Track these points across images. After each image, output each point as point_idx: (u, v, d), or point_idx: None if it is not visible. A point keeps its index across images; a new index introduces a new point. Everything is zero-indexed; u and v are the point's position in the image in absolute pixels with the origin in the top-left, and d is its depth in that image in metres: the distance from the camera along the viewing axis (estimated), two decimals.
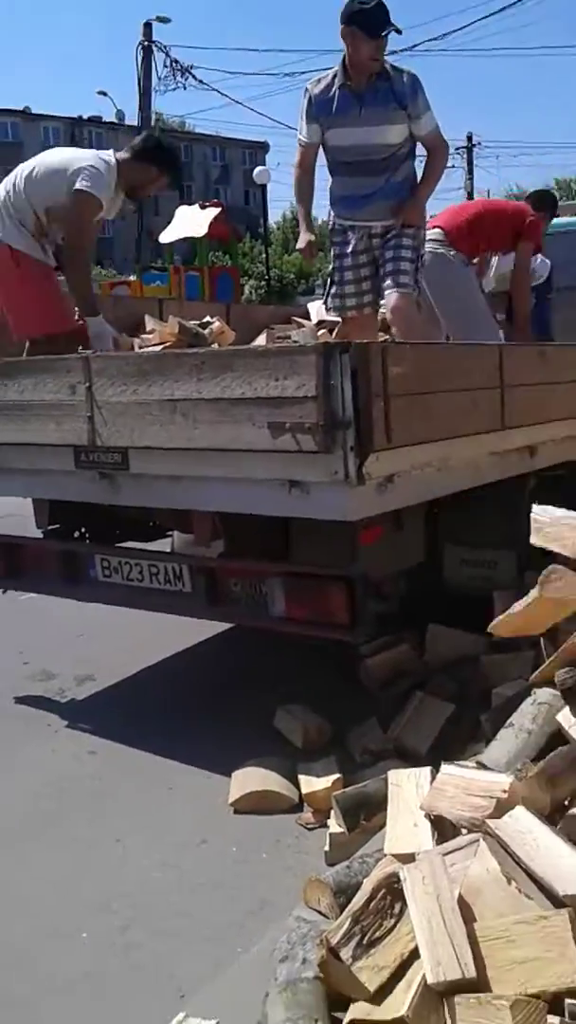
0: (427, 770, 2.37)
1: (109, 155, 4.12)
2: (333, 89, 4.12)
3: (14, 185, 4.06)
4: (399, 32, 3.98)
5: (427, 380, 2.90)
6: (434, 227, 4.90)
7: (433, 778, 2.28)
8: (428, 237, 4.58)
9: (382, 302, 4.32)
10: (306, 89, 4.21)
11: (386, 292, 4.17)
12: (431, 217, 4.96)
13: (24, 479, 3.62)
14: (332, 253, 4.41)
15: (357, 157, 4.18)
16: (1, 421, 3.43)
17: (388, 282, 4.15)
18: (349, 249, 4.31)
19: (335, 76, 4.11)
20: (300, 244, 4.49)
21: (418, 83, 4.05)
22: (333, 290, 4.45)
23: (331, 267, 4.47)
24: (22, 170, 4.11)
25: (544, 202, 5.82)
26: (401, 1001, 1.68)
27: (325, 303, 4.65)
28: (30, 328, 4.07)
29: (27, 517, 4.28)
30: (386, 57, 4.07)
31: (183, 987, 2.23)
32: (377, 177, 4.17)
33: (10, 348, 4.03)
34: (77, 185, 3.91)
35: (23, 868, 2.80)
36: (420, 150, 4.29)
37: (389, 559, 3.34)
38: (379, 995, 1.73)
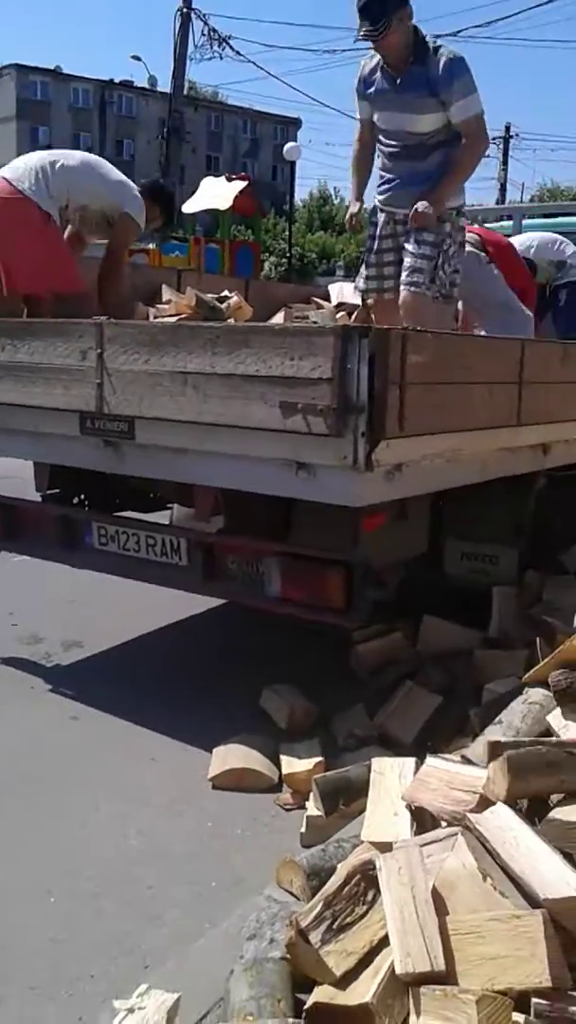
0: (411, 760, 2.36)
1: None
2: (377, 69, 4.10)
3: (52, 165, 4.11)
4: (369, 33, 3.84)
5: (445, 370, 2.88)
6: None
7: (417, 769, 2.28)
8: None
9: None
10: (360, 64, 4.19)
11: (400, 288, 4.15)
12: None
13: (27, 441, 3.59)
14: (367, 234, 4.40)
15: (392, 141, 4.16)
16: (9, 382, 3.40)
17: (403, 277, 4.12)
18: (376, 232, 4.29)
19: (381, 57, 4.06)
20: (347, 215, 4.50)
21: (457, 67, 3.92)
22: (361, 271, 4.47)
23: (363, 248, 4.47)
24: (64, 157, 4.22)
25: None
26: (366, 988, 1.68)
27: (356, 284, 4.64)
28: (45, 282, 4.06)
29: (27, 480, 4.26)
30: (429, 35, 3.99)
31: (148, 958, 2.24)
32: (405, 163, 4.13)
33: None
34: (127, 210, 4.23)
35: None
36: None
37: (390, 547, 3.32)
38: (345, 980, 1.72)
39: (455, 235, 4.18)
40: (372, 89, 4.12)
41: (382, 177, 4.28)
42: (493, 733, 2.45)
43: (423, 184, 4.08)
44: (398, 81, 4.02)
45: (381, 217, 4.27)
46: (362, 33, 3.86)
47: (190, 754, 3.26)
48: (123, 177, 4.39)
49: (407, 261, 4.11)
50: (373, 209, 4.37)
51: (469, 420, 3.08)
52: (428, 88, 3.94)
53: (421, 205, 3.98)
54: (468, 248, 4.60)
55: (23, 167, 4.12)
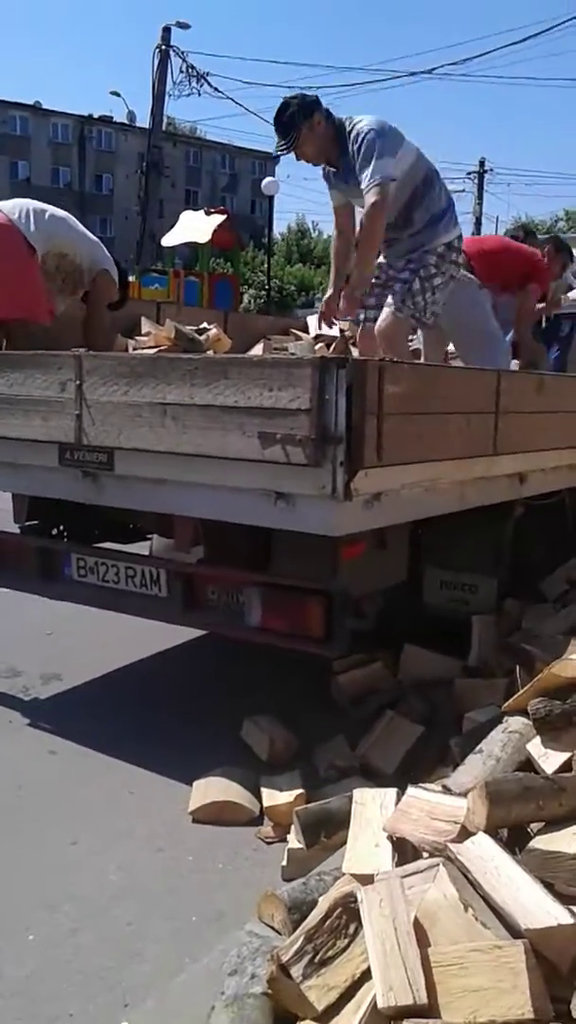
0: (392, 791, 2.35)
1: None
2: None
3: (41, 211, 4.27)
4: (282, 149, 4.01)
5: (422, 400, 2.91)
6: None
7: (398, 799, 2.27)
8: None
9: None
10: None
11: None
12: None
13: (5, 473, 3.59)
14: None
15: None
16: None
17: (387, 303, 4.18)
18: (380, 273, 4.32)
19: None
20: (322, 304, 4.56)
21: (362, 139, 3.87)
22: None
23: None
24: (52, 208, 4.36)
25: (560, 248, 5.90)
26: (348, 1022, 1.66)
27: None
28: (18, 310, 4.12)
29: (6, 511, 4.25)
30: (349, 118, 4.03)
31: (128, 995, 2.20)
32: (391, 231, 4.17)
33: None
34: (105, 266, 4.45)
35: None
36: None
37: (370, 576, 3.34)
38: (327, 1015, 1.71)
39: (442, 267, 4.19)
40: (332, 180, 4.23)
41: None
42: (473, 762, 2.45)
43: (412, 241, 4.15)
44: (341, 174, 4.12)
45: (385, 262, 4.32)
46: (276, 149, 4.06)
47: (170, 787, 3.22)
48: (97, 240, 4.59)
49: (392, 287, 4.18)
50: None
51: (447, 449, 3.11)
52: (355, 177, 3.97)
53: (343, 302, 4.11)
54: (462, 273, 4.67)
55: (14, 204, 4.27)
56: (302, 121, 3.94)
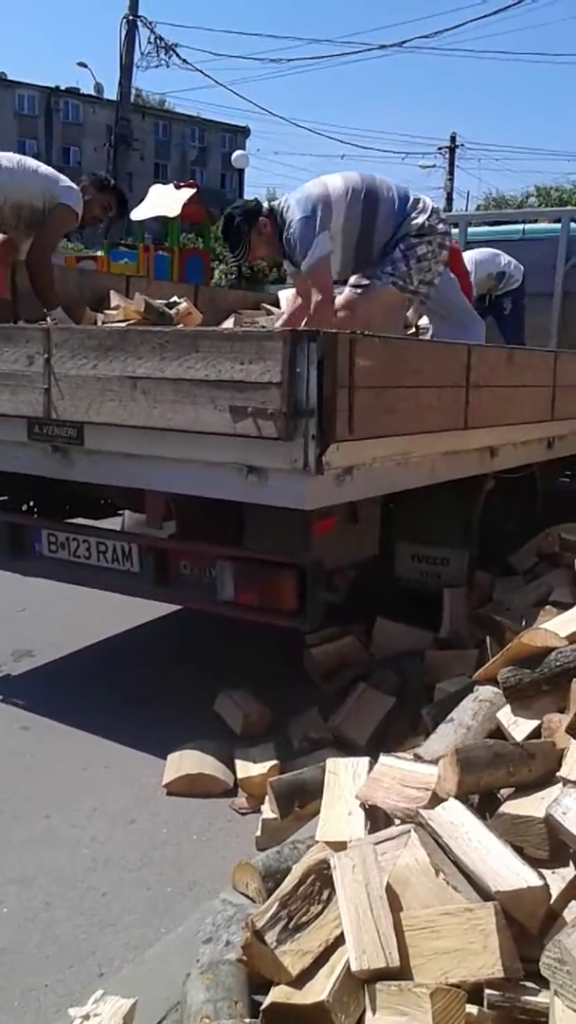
0: (365, 760, 2.38)
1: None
2: None
3: None
4: (237, 258, 4.17)
5: (393, 374, 2.91)
6: None
7: (371, 768, 2.30)
8: None
9: None
10: None
11: None
12: None
13: None
14: None
15: None
16: None
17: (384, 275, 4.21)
18: None
19: None
20: None
21: (290, 234, 3.98)
22: None
23: None
24: None
25: None
26: (322, 986, 1.68)
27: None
28: None
29: None
30: (284, 203, 4.10)
31: (103, 965, 2.22)
32: (361, 267, 4.23)
33: None
34: (63, 199, 4.27)
35: None
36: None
37: (342, 550, 3.34)
38: (301, 979, 1.73)
39: (424, 239, 4.20)
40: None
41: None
42: (445, 731, 2.48)
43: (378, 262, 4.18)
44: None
45: None
46: (232, 259, 4.19)
47: (144, 761, 3.24)
48: (53, 171, 4.43)
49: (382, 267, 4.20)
50: None
51: (418, 423, 3.11)
52: (292, 260, 4.09)
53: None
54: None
55: None
56: (248, 230, 4.07)
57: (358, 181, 4.13)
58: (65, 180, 4.40)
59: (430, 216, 4.20)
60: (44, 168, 4.40)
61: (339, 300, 4.21)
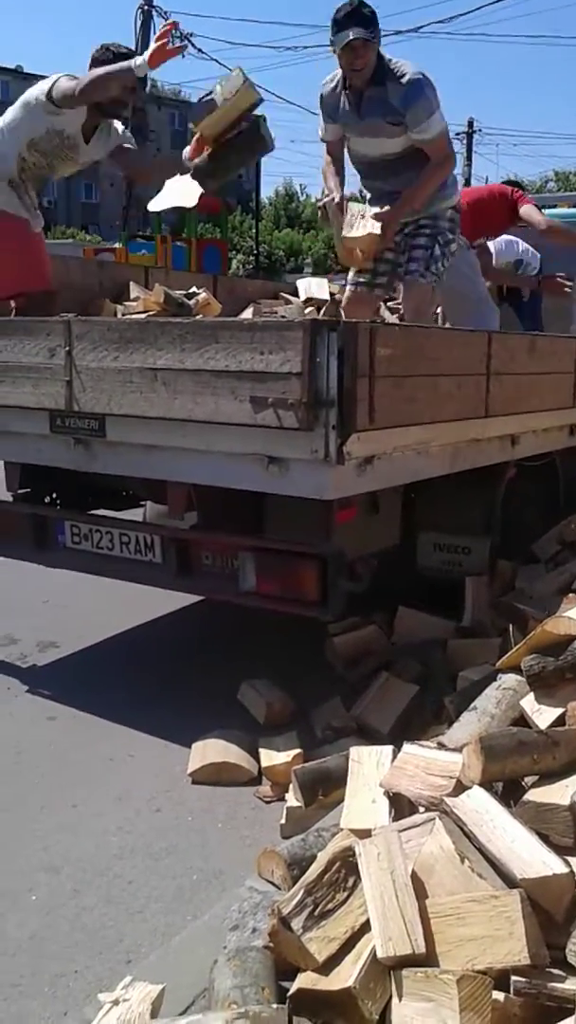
0: (389, 748, 2.38)
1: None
2: (338, 90, 4.08)
3: None
4: (359, 39, 3.75)
5: (414, 363, 2.91)
6: None
7: (394, 756, 2.30)
8: None
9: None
10: (321, 85, 4.16)
11: (404, 277, 4.22)
12: None
13: None
14: None
15: (362, 163, 4.21)
16: None
17: (405, 267, 4.18)
18: None
19: (340, 78, 4.05)
20: (322, 201, 4.27)
21: (417, 90, 3.85)
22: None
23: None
24: None
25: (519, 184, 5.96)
26: (349, 973, 1.69)
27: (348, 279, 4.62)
28: (6, 287, 4.01)
29: None
30: (390, 57, 3.95)
31: (131, 952, 2.24)
32: (378, 182, 4.18)
33: None
34: (45, 88, 3.79)
35: None
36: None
37: (363, 540, 3.35)
38: (327, 966, 1.74)
39: (455, 231, 4.22)
40: (337, 111, 4.11)
41: (367, 192, 4.34)
42: (468, 719, 2.48)
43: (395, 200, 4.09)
44: (360, 105, 4.00)
45: None
46: (353, 37, 3.73)
47: (168, 750, 3.26)
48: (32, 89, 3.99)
49: (410, 254, 4.15)
50: None
51: (438, 412, 3.11)
52: (388, 113, 3.92)
53: (385, 215, 3.97)
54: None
55: None
56: (376, 26, 3.82)
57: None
58: (45, 81, 3.92)
59: (457, 202, 4.20)
60: (25, 95, 3.97)
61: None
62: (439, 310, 5.20)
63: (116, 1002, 1.73)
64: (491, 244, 5.92)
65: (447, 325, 4.88)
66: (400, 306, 4.89)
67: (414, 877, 1.80)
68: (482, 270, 5.21)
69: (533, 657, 2.35)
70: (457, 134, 34.15)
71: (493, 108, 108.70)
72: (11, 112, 3.99)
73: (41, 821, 2.83)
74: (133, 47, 4.49)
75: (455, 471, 3.42)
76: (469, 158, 34.29)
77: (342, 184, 4.31)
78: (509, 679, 2.52)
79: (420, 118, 3.88)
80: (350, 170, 4.36)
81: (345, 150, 4.25)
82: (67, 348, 3.10)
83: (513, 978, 1.61)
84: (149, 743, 3.33)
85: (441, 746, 2.29)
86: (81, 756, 3.25)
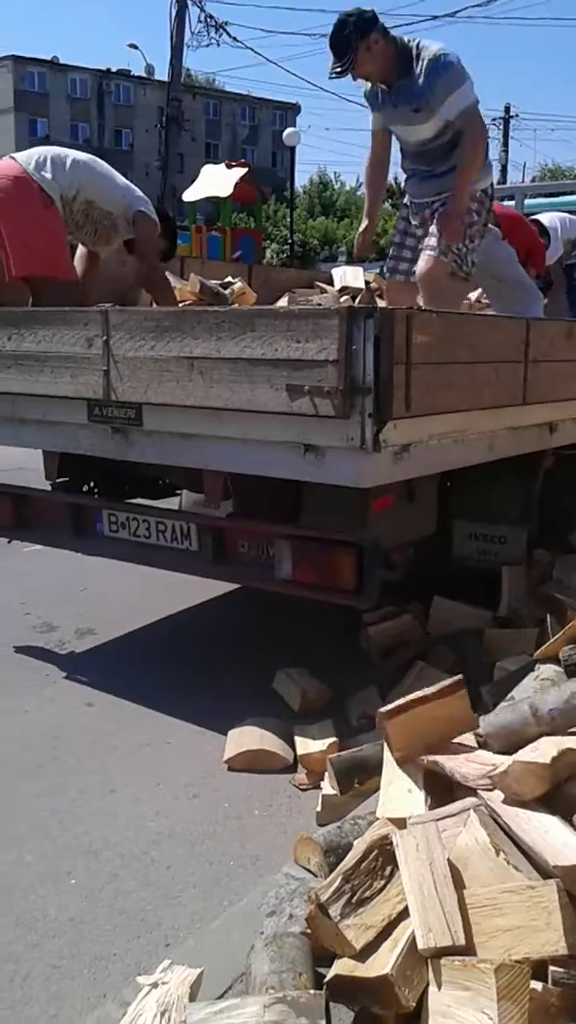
0: None
1: None
2: (375, 86, 4.13)
3: (63, 157, 4.12)
4: (337, 72, 3.90)
5: (450, 350, 2.88)
6: None
7: None
8: None
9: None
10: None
11: (419, 259, 4.19)
12: None
13: (36, 430, 3.61)
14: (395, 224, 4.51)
15: (405, 147, 4.23)
16: (16, 371, 3.42)
17: (423, 249, 4.16)
18: (408, 222, 4.35)
19: None
20: (357, 235, 4.54)
21: (435, 69, 3.84)
22: (389, 255, 4.51)
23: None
24: (74, 153, 4.20)
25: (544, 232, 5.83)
26: (386, 960, 1.69)
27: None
28: (39, 266, 4.05)
29: (36, 470, 4.28)
30: (417, 40, 3.97)
31: (168, 936, 2.27)
32: (422, 165, 4.18)
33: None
34: (141, 208, 4.23)
35: (13, 812, 2.83)
36: None
37: (399, 528, 3.33)
38: (364, 953, 1.74)
39: (481, 213, 4.16)
40: (376, 101, 4.16)
41: (405, 173, 4.34)
42: (504, 710, 2.46)
43: (443, 178, 4.10)
44: (392, 95, 4.04)
45: (413, 209, 4.31)
46: (332, 72, 3.92)
47: (205, 737, 3.28)
48: (128, 182, 4.40)
49: (427, 238, 4.15)
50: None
51: (475, 399, 3.08)
52: (416, 99, 3.93)
53: (450, 202, 3.98)
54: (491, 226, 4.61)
55: (33, 152, 4.15)
56: (359, 40, 3.87)
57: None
58: (139, 191, 4.37)
59: (491, 187, 4.16)
60: (119, 176, 4.35)
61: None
62: (474, 297, 5.16)
63: (155, 985, 1.75)
64: (555, 219, 5.84)
65: (489, 311, 4.84)
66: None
67: (450, 868, 1.79)
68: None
69: (571, 647, 2.33)
70: (493, 120, 33.73)
71: (530, 93, 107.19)
72: (99, 169, 4.24)
73: (80, 805, 2.87)
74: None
75: (492, 459, 3.39)
76: (506, 144, 33.87)
77: (375, 206, 4.46)
78: (547, 669, 2.50)
79: (442, 97, 3.88)
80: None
81: (392, 137, 4.29)
82: (104, 338, 3.11)
83: (551, 968, 1.61)
84: (185, 730, 3.35)
85: (477, 737, 2.27)
86: (119, 742, 3.28)
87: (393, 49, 3.94)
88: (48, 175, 4.02)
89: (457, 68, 3.88)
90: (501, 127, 33.63)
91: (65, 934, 2.27)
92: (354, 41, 3.85)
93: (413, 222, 4.30)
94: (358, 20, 3.85)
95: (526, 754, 1.94)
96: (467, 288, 4.44)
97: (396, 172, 4.64)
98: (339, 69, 3.91)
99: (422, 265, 4.12)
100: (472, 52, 4.27)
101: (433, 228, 4.10)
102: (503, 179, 29.51)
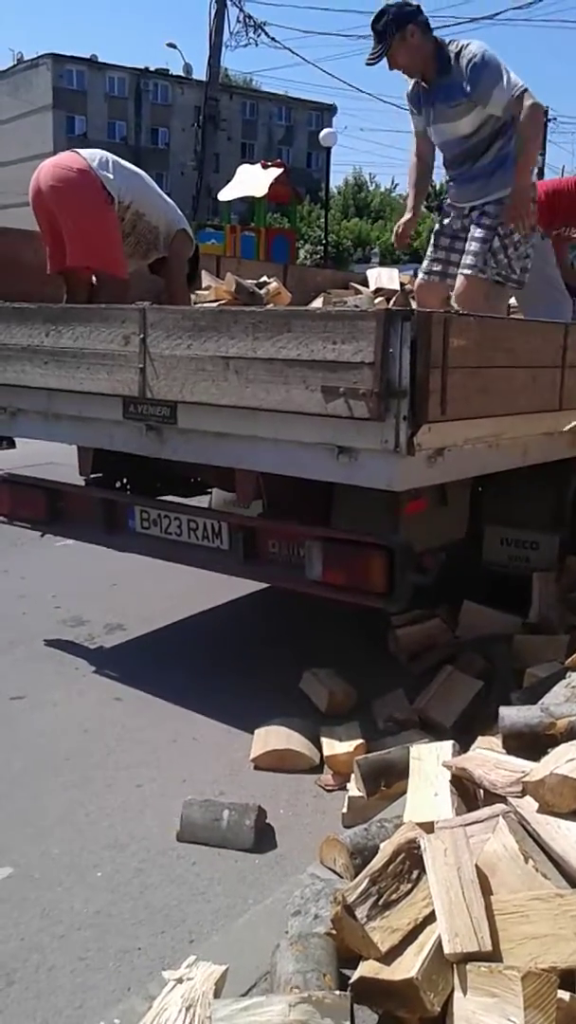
0: (449, 744, 2.38)
1: None
2: (415, 85, 4.21)
3: (121, 165, 4.19)
4: (371, 59, 3.99)
5: (487, 354, 2.86)
6: None
7: (454, 752, 2.29)
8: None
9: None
10: (406, 80, 4.27)
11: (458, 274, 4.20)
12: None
13: (71, 426, 3.64)
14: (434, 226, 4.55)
15: (444, 149, 4.27)
16: (53, 367, 3.44)
17: (462, 262, 4.18)
18: (444, 223, 4.39)
19: None
20: (398, 224, 4.57)
21: (476, 68, 3.91)
22: (427, 256, 4.53)
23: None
24: (125, 164, 4.25)
25: None
26: (411, 964, 1.69)
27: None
28: (94, 260, 4.08)
29: (67, 465, 4.32)
30: (453, 40, 4.05)
31: (193, 932, 2.28)
32: (462, 166, 4.20)
33: (26, 287, 4.02)
34: (183, 226, 4.35)
35: (41, 804, 2.86)
36: None
37: (431, 532, 3.32)
38: (390, 956, 1.74)
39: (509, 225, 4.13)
40: (417, 103, 4.24)
41: (447, 176, 4.37)
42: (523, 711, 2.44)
43: (487, 175, 4.13)
44: (431, 94, 4.11)
45: (451, 212, 4.34)
46: (368, 58, 4.00)
47: (231, 735, 3.30)
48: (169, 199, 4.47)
49: (467, 247, 4.16)
50: (441, 202, 4.50)
51: (511, 404, 3.06)
52: (456, 96, 3.99)
53: (511, 196, 4.00)
54: None
55: (95, 152, 4.20)
56: (395, 31, 3.95)
57: None
58: (179, 210, 4.46)
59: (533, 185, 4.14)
60: (164, 194, 4.43)
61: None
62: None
63: (180, 980, 1.76)
64: None
65: (518, 314, 4.81)
66: None
67: (477, 873, 1.79)
68: (558, 262, 5.10)
69: None
70: None
71: (570, 97, 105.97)
72: (151, 184, 4.34)
73: (107, 799, 2.89)
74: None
75: (526, 465, 3.37)
76: (544, 147, 33.57)
77: (419, 200, 4.48)
78: None
79: (489, 90, 3.94)
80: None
81: (432, 143, 4.33)
82: (141, 336, 3.13)
83: None
84: (212, 727, 3.37)
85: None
86: (146, 737, 3.31)
87: (432, 46, 4.01)
88: (110, 176, 4.06)
89: (496, 63, 3.93)
90: None
91: (91, 927, 2.29)
92: (391, 31, 3.93)
93: (454, 226, 4.29)
94: (397, 11, 3.95)
95: (566, 767, 1.93)
96: (506, 297, 4.41)
97: (440, 173, 4.64)
98: (375, 54, 3.99)
99: (459, 287, 4.14)
100: (511, 55, 4.24)
101: (470, 245, 4.10)
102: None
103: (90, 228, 4.02)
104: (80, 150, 4.19)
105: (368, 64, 4.02)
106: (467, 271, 4.12)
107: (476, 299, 4.06)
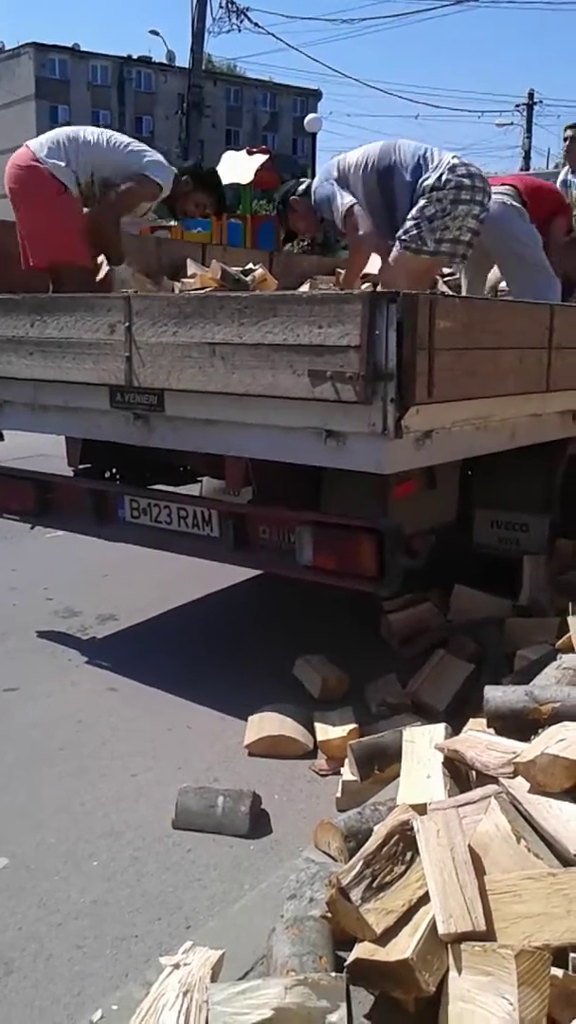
0: (441, 726, 2.38)
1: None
2: None
3: (73, 139, 4.13)
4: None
5: (474, 335, 2.85)
6: (504, 184, 4.79)
7: (447, 735, 2.30)
8: (499, 191, 4.53)
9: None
10: None
11: None
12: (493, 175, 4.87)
13: (58, 417, 3.62)
14: None
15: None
16: (39, 358, 3.43)
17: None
18: None
19: None
20: None
21: (315, 198, 4.36)
22: None
23: None
24: (84, 132, 4.21)
25: None
26: (406, 944, 1.70)
27: None
28: (53, 254, 4.05)
29: (57, 456, 4.30)
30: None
31: (190, 918, 2.28)
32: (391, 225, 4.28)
33: (15, 278, 4.01)
34: (149, 172, 4.18)
35: (37, 795, 2.86)
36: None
37: (421, 515, 3.32)
38: (384, 937, 1.75)
39: (435, 197, 4.07)
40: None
41: None
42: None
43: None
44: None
45: None
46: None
47: (225, 722, 3.30)
48: (144, 146, 4.33)
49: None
50: None
51: (498, 386, 3.06)
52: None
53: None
54: (508, 201, 4.56)
55: (45, 139, 4.17)
56: (284, 209, 4.63)
57: (375, 152, 4.23)
58: (154, 155, 4.28)
59: (444, 172, 4.06)
60: (135, 144, 4.28)
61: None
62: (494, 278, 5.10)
63: (177, 966, 1.76)
64: None
65: (507, 293, 4.80)
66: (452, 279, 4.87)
67: (470, 854, 1.79)
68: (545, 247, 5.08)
69: None
70: (517, 106, 33.43)
71: (555, 79, 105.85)
72: (109, 142, 4.22)
73: (102, 789, 2.89)
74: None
75: (515, 447, 3.36)
76: (529, 130, 33.50)
77: None
78: (570, 659, 2.50)
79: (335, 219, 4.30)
80: None
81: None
82: (127, 324, 3.11)
83: (572, 955, 1.60)
84: (206, 715, 3.37)
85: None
86: (140, 726, 3.31)
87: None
88: (62, 163, 4.03)
89: (320, 192, 4.36)
90: (525, 113, 33.26)
91: (88, 915, 2.29)
92: (282, 211, 4.67)
93: None
94: (283, 195, 4.64)
95: (556, 746, 1.94)
96: (430, 264, 4.38)
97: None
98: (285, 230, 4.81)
99: (392, 260, 4.23)
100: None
101: (408, 220, 4.10)
102: (526, 165, 29.23)
103: (43, 227, 4.02)
104: (30, 142, 4.17)
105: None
106: (396, 243, 4.15)
107: (400, 271, 4.16)
